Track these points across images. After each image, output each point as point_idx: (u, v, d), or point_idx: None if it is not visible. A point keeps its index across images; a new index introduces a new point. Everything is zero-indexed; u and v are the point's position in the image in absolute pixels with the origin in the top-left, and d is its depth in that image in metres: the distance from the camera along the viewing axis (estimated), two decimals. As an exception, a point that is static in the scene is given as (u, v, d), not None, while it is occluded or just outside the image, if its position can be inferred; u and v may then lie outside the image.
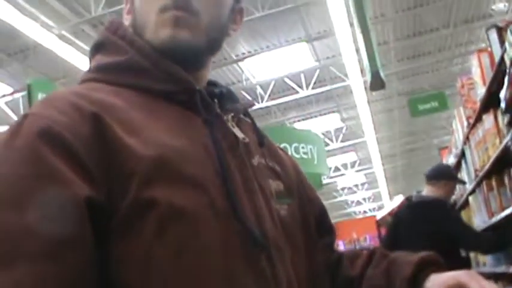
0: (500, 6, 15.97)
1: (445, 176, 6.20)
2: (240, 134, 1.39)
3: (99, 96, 1.25)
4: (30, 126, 1.14)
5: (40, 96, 11.26)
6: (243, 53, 16.93)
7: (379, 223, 17.18)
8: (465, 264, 6.98)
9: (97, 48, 1.42)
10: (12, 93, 15.34)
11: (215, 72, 17.80)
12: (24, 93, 12.67)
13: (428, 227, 5.73)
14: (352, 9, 12.41)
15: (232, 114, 1.42)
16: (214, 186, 1.22)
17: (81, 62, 13.38)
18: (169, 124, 1.27)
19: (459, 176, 8.01)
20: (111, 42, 1.39)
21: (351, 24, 13.15)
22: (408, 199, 6.48)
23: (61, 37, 13.21)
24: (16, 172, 1.09)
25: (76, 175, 1.10)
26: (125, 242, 1.12)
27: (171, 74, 1.33)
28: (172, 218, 1.14)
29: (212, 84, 1.50)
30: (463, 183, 7.07)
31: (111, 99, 1.25)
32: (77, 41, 13.93)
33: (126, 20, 1.46)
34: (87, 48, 14.03)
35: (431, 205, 5.98)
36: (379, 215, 18.62)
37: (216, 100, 1.42)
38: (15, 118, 15.72)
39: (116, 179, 1.14)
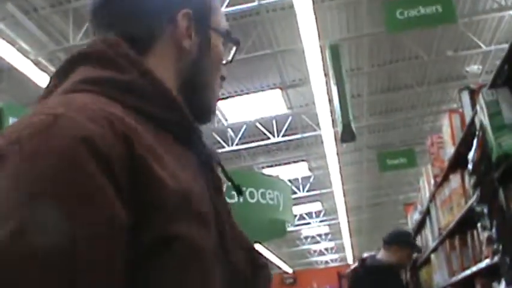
0: (474, 68, 16.21)
1: (398, 242, 6.23)
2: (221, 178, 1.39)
3: (120, 115, 1.14)
4: (70, 130, 1.03)
5: (11, 120, 11.13)
6: (217, 95, 16.93)
7: (341, 275, 17.15)
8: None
9: (86, 59, 1.29)
10: (-19, 116, 15.18)
11: (188, 112, 17.79)
12: (-6, 116, 12.53)
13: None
14: (328, 60, 12.53)
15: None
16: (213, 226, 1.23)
17: (55, 91, 13.27)
18: (176, 159, 1.22)
19: (423, 233, 8.06)
20: (109, 57, 1.28)
21: (326, 75, 13.26)
22: (363, 260, 6.54)
23: (37, 63, 13.11)
24: (56, 180, 0.99)
25: (116, 197, 1.03)
26: (143, 274, 1.07)
27: (177, 105, 1.28)
28: (192, 256, 1.12)
29: None
30: (419, 251, 7.11)
31: (131, 121, 1.16)
32: (52, 68, 13.84)
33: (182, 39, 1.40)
34: (61, 77, 13.97)
35: (378, 271, 6.05)
36: (348, 268, 18.61)
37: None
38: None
39: (143, 208, 1.07)
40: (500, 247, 3.77)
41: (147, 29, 1.38)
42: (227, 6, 12.24)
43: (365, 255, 6.75)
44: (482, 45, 15.09)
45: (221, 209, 1.31)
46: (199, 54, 1.41)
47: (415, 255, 7.36)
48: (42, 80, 13.19)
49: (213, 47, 1.44)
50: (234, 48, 1.54)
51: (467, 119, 4.60)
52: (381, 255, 6.24)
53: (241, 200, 9.62)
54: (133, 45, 1.32)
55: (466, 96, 4.81)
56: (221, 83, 1.51)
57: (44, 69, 13.34)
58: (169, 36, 1.39)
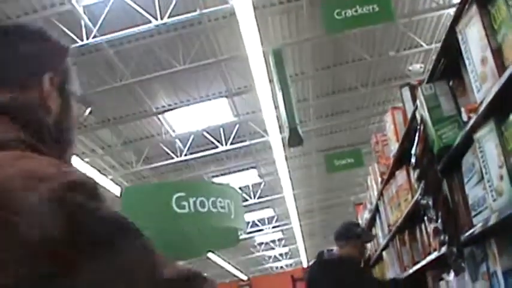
0: (417, 67, 16.43)
1: (346, 237, 6.20)
2: None
3: None
4: None
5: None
6: (163, 106, 16.92)
7: (295, 279, 17.19)
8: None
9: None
10: None
11: (134, 125, 17.72)
12: None
13: (334, 284, 5.79)
14: (272, 65, 12.58)
15: None
16: None
17: None
18: None
19: (373, 231, 8.12)
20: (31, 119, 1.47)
21: (271, 81, 13.29)
22: (319, 255, 6.48)
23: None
24: None
25: None
26: None
27: None
28: None
29: None
30: (369, 239, 7.08)
31: None
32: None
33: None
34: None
35: (335, 264, 6.02)
36: (303, 270, 18.62)
37: None
38: None
39: None
40: (447, 238, 3.83)
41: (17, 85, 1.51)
42: (169, 17, 12.24)
43: (323, 250, 6.71)
44: (423, 44, 15.33)
45: None
46: (61, 115, 1.58)
47: (369, 243, 7.35)
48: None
49: (72, 109, 1.63)
50: (88, 110, 1.71)
51: (409, 115, 4.67)
52: (336, 250, 6.22)
53: (192, 209, 9.61)
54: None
55: (406, 93, 4.89)
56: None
57: None
58: (36, 96, 1.53)
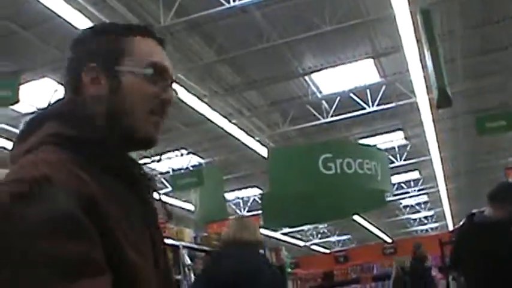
0: None
1: (502, 197, 5.86)
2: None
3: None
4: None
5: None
6: (310, 67, 16.95)
7: (443, 242, 16.90)
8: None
9: (57, 118, 1.60)
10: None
11: (281, 86, 17.85)
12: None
13: (488, 249, 5.58)
14: (420, 25, 12.34)
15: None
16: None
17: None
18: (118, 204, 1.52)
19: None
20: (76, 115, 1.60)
21: (419, 41, 13.06)
22: (470, 217, 6.24)
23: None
24: None
25: None
26: None
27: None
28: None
29: None
30: None
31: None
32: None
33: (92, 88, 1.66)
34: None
35: (487, 228, 5.76)
36: (451, 235, 18.22)
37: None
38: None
39: None
40: None
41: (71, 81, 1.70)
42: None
43: (474, 211, 6.47)
44: None
45: (156, 237, 1.67)
46: (110, 95, 1.63)
47: None
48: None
49: (126, 86, 1.64)
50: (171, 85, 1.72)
51: None
52: (488, 211, 5.92)
53: (338, 171, 9.64)
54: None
55: None
56: (160, 113, 1.69)
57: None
58: (83, 86, 1.66)
